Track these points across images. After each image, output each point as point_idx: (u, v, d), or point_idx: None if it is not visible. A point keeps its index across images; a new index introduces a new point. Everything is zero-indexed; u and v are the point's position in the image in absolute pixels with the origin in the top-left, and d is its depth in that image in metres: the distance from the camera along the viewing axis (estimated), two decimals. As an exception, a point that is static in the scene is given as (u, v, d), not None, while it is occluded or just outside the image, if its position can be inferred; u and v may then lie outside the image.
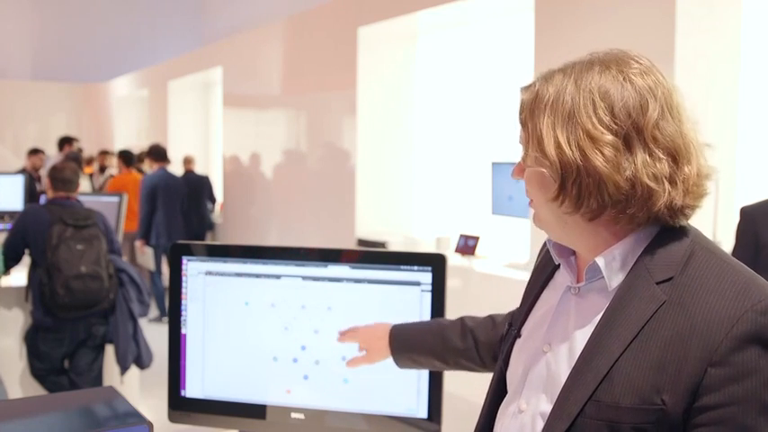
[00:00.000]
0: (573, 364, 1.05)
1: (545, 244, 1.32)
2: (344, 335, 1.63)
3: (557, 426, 1.03)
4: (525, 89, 1.09)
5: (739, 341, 0.94)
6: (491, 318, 1.53)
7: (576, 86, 1.02)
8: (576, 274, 1.14)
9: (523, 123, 1.09)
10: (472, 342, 1.50)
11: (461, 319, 1.54)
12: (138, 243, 7.25)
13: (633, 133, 1.00)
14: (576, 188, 1.01)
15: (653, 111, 1.00)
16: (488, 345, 1.49)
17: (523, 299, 1.28)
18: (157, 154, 7.41)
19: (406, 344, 1.54)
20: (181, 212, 7.37)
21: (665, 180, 1.00)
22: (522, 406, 1.12)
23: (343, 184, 6.38)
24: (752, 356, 0.94)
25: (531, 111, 1.07)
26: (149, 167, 7.73)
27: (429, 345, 1.52)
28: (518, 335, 1.22)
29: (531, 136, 1.07)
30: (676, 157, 1.01)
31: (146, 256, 7.23)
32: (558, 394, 1.06)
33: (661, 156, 1.00)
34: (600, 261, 1.06)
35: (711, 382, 0.95)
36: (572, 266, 1.15)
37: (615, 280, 1.05)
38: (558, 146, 1.02)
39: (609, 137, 0.99)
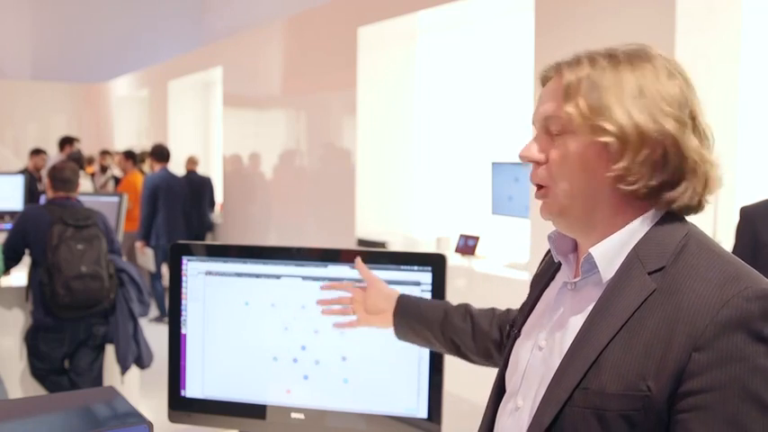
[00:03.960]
0: (563, 357, 1.06)
1: (548, 251, 1.32)
2: (365, 271, 1.62)
3: (545, 412, 1.03)
4: (569, 69, 1.06)
5: (724, 327, 0.94)
6: (492, 309, 1.55)
7: (633, 70, 1.04)
8: (573, 270, 1.15)
9: (569, 98, 1.05)
10: (470, 325, 1.51)
11: (466, 304, 1.57)
12: (138, 244, 7.24)
13: (688, 119, 1.04)
14: (650, 158, 1.02)
15: (697, 99, 1.06)
16: (484, 333, 1.51)
17: (526, 301, 1.29)
18: (160, 154, 7.41)
19: (410, 310, 1.55)
20: (182, 213, 7.37)
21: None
22: (519, 403, 1.13)
23: (343, 184, 6.38)
24: (736, 343, 0.93)
25: (587, 88, 1.04)
26: (149, 168, 7.73)
27: (431, 316, 1.53)
28: (518, 334, 1.22)
29: (587, 111, 1.03)
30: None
31: (146, 257, 7.22)
32: None
33: (709, 143, 1.06)
34: (594, 252, 1.06)
35: (695, 367, 0.94)
36: (571, 263, 1.16)
37: (609, 271, 1.06)
38: (631, 116, 1.02)
39: (676, 113, 1.03)
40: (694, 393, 0.94)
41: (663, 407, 0.96)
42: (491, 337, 1.50)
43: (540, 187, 1.10)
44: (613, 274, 1.06)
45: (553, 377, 1.05)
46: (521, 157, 1.10)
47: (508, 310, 1.53)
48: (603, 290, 1.06)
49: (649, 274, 1.02)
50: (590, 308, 1.07)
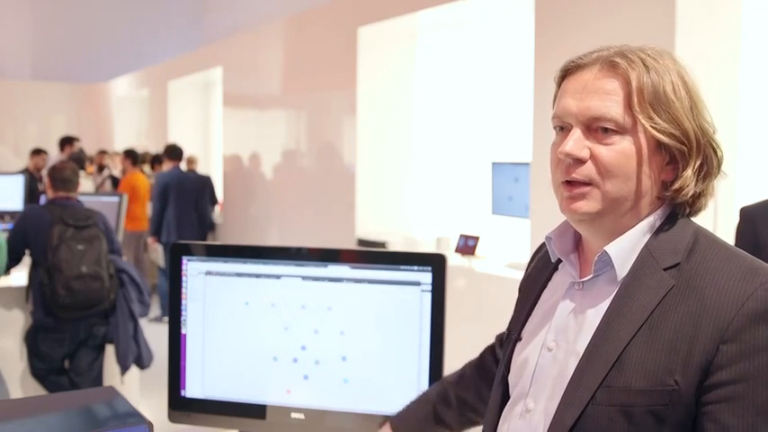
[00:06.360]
0: (581, 357, 1.05)
1: (536, 251, 1.32)
2: None
3: (566, 414, 1.03)
4: (627, 69, 1.04)
5: (750, 318, 0.96)
6: (464, 369, 1.52)
7: (682, 75, 1.07)
8: (578, 269, 1.15)
9: (638, 103, 1.04)
10: (456, 406, 1.48)
11: (443, 386, 1.51)
12: (149, 240, 7.38)
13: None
14: (701, 167, 1.06)
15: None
16: (474, 396, 1.47)
17: (520, 304, 1.28)
18: (173, 153, 7.49)
19: (403, 428, 1.50)
20: (195, 211, 7.41)
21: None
22: (530, 405, 1.12)
23: (343, 184, 6.38)
24: (763, 334, 0.96)
25: (652, 93, 1.04)
26: (150, 167, 7.75)
27: (422, 419, 1.49)
28: (518, 338, 1.21)
29: (656, 117, 1.03)
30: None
31: (156, 252, 7.34)
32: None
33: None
34: (611, 251, 1.06)
35: (723, 359, 0.96)
36: (573, 263, 1.16)
37: (624, 269, 1.07)
38: (693, 124, 1.05)
39: (709, 117, 1.08)
40: (723, 385, 0.96)
41: (690, 400, 0.98)
42: (480, 396, 1.46)
43: (580, 184, 1.06)
44: (627, 271, 1.06)
45: (571, 378, 1.05)
46: (566, 154, 1.05)
47: (481, 357, 1.50)
48: (619, 287, 1.06)
49: (665, 270, 1.03)
50: (603, 305, 1.07)
